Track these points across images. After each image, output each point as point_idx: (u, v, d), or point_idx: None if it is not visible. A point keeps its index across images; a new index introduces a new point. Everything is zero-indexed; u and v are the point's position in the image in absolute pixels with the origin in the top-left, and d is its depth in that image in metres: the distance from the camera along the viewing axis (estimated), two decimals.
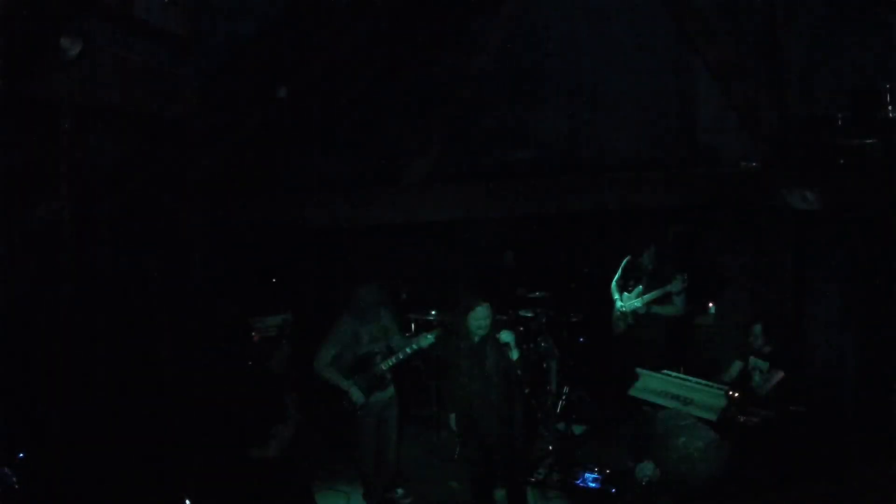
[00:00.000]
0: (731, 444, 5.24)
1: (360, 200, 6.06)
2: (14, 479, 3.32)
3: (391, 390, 5.55)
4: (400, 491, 5.73)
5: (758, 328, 5.57)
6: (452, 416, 4.99)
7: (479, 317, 4.67)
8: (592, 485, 5.74)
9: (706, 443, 5.08)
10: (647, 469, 5.64)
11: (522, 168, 7.25)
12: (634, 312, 6.41)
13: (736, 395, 5.11)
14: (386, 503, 5.65)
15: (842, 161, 4.98)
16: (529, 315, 7.05)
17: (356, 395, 5.31)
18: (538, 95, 7.32)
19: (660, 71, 7.14)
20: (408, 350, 5.40)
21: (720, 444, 5.10)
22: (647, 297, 6.29)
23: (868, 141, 4.85)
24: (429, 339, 5.38)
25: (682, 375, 5.66)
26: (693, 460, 5.07)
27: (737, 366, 5.72)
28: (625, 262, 6.70)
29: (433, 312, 6.34)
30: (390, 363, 5.40)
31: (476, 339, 4.72)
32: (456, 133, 7.15)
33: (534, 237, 8.32)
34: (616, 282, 6.70)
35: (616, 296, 6.64)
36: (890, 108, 4.81)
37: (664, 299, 6.29)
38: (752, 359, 5.63)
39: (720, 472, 5.05)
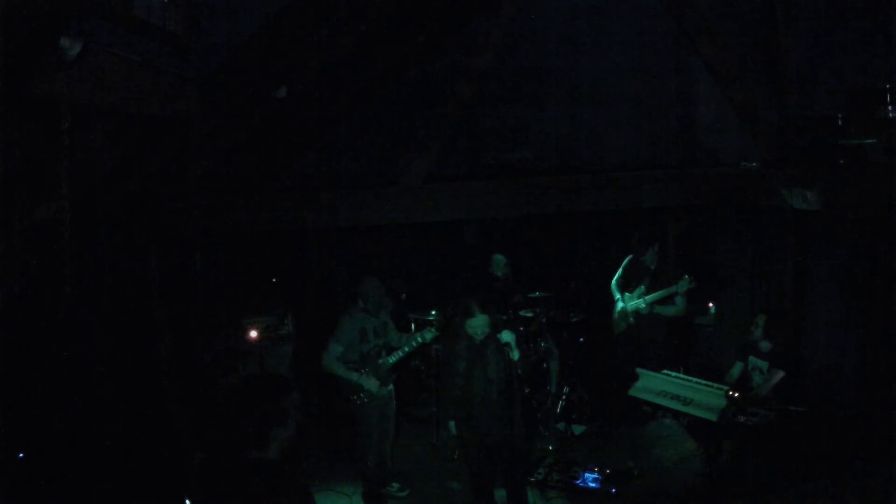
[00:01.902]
0: (732, 444, 5.25)
1: (359, 201, 6.05)
2: None
3: (391, 386, 5.62)
4: (396, 485, 5.80)
5: (761, 319, 5.58)
6: (451, 422, 5.00)
7: (475, 325, 4.66)
8: (592, 485, 5.75)
9: (682, 454, 5.11)
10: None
11: (522, 168, 7.24)
12: (636, 312, 6.40)
13: (736, 395, 5.11)
14: (382, 497, 5.68)
15: (842, 161, 4.98)
16: (529, 315, 7.05)
17: (371, 384, 5.37)
18: (538, 95, 7.30)
19: (660, 71, 7.13)
20: (413, 343, 5.49)
21: (698, 454, 5.13)
22: (651, 297, 6.28)
23: (868, 141, 4.85)
24: (432, 332, 5.48)
25: (682, 375, 5.66)
26: (668, 470, 5.12)
27: (738, 367, 5.73)
28: (626, 261, 6.70)
29: (433, 312, 6.33)
30: (398, 356, 5.49)
31: (477, 339, 4.72)
32: (456, 133, 7.15)
33: (534, 237, 8.31)
34: (616, 281, 6.70)
35: (617, 295, 6.64)
36: (890, 108, 4.81)
37: (666, 299, 6.29)
38: (751, 358, 5.64)
39: (698, 482, 5.09)
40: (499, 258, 7.32)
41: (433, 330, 5.48)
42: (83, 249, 4.47)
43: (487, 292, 6.88)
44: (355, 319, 5.45)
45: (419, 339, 5.48)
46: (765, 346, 5.55)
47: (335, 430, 6.19)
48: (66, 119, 3.13)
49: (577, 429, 6.72)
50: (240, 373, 6.41)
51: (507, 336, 4.62)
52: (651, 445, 5.51)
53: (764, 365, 5.52)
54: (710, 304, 7.15)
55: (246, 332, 6.70)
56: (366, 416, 5.45)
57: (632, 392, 5.65)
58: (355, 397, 5.39)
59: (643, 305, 6.32)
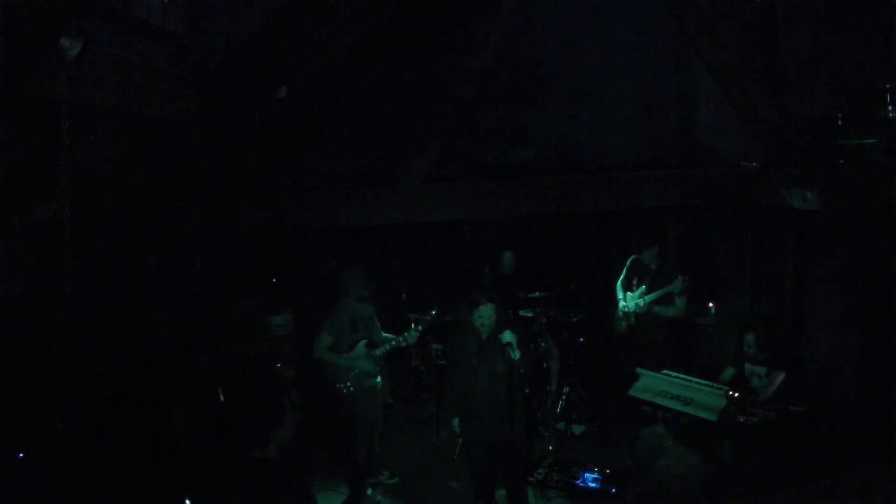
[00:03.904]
0: (732, 444, 5.25)
1: (359, 201, 6.05)
2: None
3: (378, 378, 5.73)
4: (385, 473, 5.94)
5: (750, 337, 5.56)
6: (455, 420, 5.01)
7: (483, 315, 4.71)
8: (592, 485, 5.75)
9: (686, 469, 5.09)
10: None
11: (523, 168, 7.25)
12: (635, 312, 6.41)
13: (736, 394, 5.11)
14: (371, 487, 5.77)
15: (842, 161, 4.98)
16: (530, 315, 7.05)
17: (363, 364, 5.52)
18: (538, 95, 7.32)
19: (660, 71, 7.13)
20: (397, 341, 5.62)
21: (700, 467, 5.12)
22: (649, 297, 6.29)
23: (868, 141, 4.85)
24: (415, 334, 5.62)
25: (682, 375, 5.66)
26: (671, 484, 5.10)
27: (729, 371, 5.72)
28: (629, 261, 6.71)
29: (433, 312, 6.37)
30: (384, 349, 5.60)
31: (483, 336, 4.75)
32: (456, 133, 7.15)
33: (534, 237, 8.30)
34: (621, 282, 6.71)
35: (620, 295, 6.64)
36: (890, 108, 4.81)
37: (666, 300, 6.29)
38: (747, 365, 5.62)
39: (698, 494, 5.08)
40: (508, 255, 7.38)
41: (416, 331, 5.59)
42: (83, 249, 4.48)
43: (492, 287, 6.95)
44: (344, 309, 5.59)
45: (402, 340, 5.60)
46: (759, 356, 5.56)
47: (335, 430, 6.21)
48: (65, 119, 3.13)
49: (577, 429, 6.73)
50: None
51: (508, 336, 4.64)
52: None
53: (761, 370, 5.52)
54: (711, 305, 7.15)
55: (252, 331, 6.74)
56: (354, 404, 5.55)
57: (632, 392, 5.65)
58: (342, 386, 5.50)
59: (641, 304, 6.32)
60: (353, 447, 5.62)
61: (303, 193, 6.51)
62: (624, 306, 6.55)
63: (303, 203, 6.08)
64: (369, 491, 5.69)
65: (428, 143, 6.60)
